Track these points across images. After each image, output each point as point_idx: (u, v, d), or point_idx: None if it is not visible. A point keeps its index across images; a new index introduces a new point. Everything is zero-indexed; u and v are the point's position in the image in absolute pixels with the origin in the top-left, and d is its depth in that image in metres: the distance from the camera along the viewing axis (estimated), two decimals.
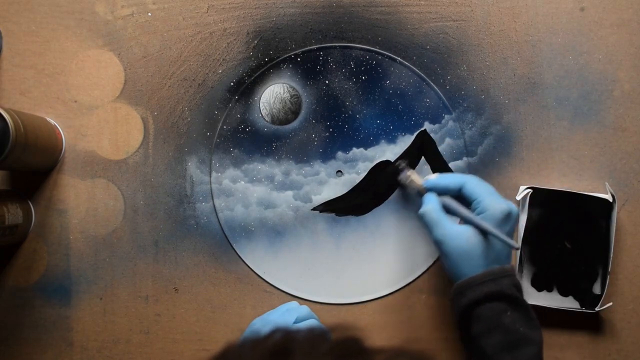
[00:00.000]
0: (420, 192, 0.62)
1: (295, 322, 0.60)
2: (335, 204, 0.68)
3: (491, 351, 0.55)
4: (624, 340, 0.67)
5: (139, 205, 0.68)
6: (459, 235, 0.57)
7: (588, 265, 0.67)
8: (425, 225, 0.59)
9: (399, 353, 0.38)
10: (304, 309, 0.62)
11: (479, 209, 0.57)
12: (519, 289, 0.57)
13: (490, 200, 0.57)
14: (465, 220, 0.58)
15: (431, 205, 0.59)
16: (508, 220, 0.57)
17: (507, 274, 0.57)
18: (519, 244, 0.66)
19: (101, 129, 0.69)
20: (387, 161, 0.68)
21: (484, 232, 0.57)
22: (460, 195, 0.60)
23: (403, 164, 0.65)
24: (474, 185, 0.59)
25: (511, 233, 0.58)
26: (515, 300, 0.56)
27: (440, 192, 0.60)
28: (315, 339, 0.39)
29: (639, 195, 0.68)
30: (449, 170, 0.68)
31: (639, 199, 0.68)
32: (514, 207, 0.58)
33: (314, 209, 0.68)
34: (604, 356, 0.67)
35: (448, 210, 0.59)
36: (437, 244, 0.58)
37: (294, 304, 0.64)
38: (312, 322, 0.60)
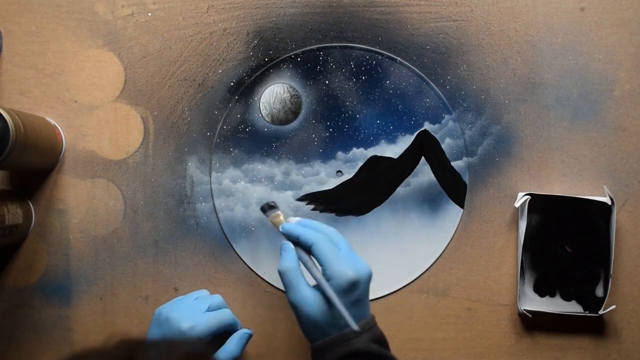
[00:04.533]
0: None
1: (208, 311, 0.59)
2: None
3: None
4: (624, 340, 0.67)
5: (139, 205, 0.68)
6: (310, 301, 0.54)
7: (589, 268, 0.67)
8: (283, 283, 0.57)
9: None
10: (216, 298, 0.62)
11: (326, 276, 0.54)
12: (378, 341, 0.55)
13: (336, 266, 0.54)
14: (315, 278, 0.55)
15: (288, 264, 0.56)
16: (355, 288, 0.54)
17: (366, 328, 0.54)
18: (519, 252, 0.66)
19: (101, 129, 0.69)
20: (377, 156, 0.68)
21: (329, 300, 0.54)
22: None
23: (273, 204, 0.61)
24: (321, 247, 0.55)
25: (362, 298, 0.55)
26: (378, 356, 0.53)
27: (294, 243, 0.57)
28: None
29: (639, 195, 0.68)
30: (450, 170, 0.68)
31: (639, 199, 0.68)
32: (362, 273, 0.54)
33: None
34: (604, 356, 0.67)
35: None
36: (291, 307, 0.56)
37: (205, 291, 0.64)
38: (224, 312, 0.60)
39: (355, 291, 0.54)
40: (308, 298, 0.55)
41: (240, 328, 0.62)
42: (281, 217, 0.60)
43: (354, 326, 0.52)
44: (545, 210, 0.67)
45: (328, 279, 0.54)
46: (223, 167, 0.69)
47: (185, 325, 0.57)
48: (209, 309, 0.60)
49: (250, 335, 0.61)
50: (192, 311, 0.59)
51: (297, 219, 0.60)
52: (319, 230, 0.58)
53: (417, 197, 0.68)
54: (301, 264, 0.57)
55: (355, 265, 0.55)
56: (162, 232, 0.68)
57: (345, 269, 0.54)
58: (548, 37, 0.68)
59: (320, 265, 0.55)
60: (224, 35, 0.69)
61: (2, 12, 0.68)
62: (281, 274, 0.56)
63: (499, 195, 0.68)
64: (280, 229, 0.59)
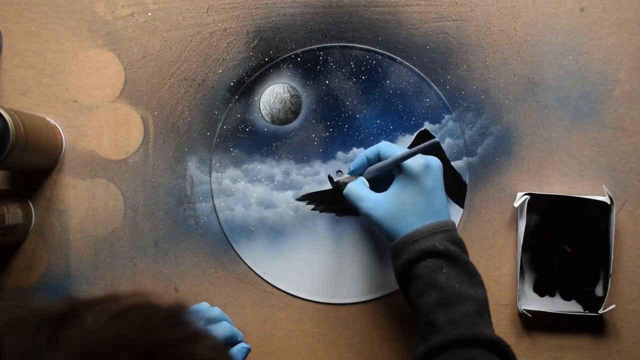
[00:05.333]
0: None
1: (206, 324, 0.60)
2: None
3: (426, 310, 0.54)
4: (624, 340, 0.67)
5: (139, 205, 0.68)
6: (384, 199, 0.58)
7: (589, 268, 0.67)
8: (352, 204, 0.60)
9: None
10: (215, 310, 0.62)
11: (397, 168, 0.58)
12: (456, 243, 0.56)
13: (406, 155, 0.57)
14: (388, 166, 0.59)
15: (352, 184, 0.61)
16: (427, 170, 0.57)
17: (441, 229, 0.56)
18: (518, 252, 0.66)
19: (101, 129, 0.69)
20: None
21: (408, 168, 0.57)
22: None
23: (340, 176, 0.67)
24: (387, 147, 0.60)
25: (437, 188, 0.58)
26: (450, 256, 0.55)
27: (364, 170, 0.62)
28: None
29: (639, 195, 0.68)
30: (450, 170, 0.68)
31: (638, 199, 0.68)
32: (431, 160, 0.58)
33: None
34: (604, 356, 0.67)
35: (372, 179, 0.62)
36: (367, 215, 0.59)
37: (205, 304, 0.64)
38: (222, 326, 0.60)
39: (429, 176, 0.57)
40: (381, 198, 0.58)
41: (241, 339, 0.62)
42: (351, 177, 0.64)
43: (435, 140, 0.55)
44: (545, 210, 0.67)
45: (399, 171, 0.58)
46: (223, 167, 0.69)
47: None
48: (208, 322, 0.60)
49: (249, 350, 0.61)
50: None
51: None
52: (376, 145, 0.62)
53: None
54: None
55: (422, 156, 0.58)
56: (162, 232, 0.68)
57: (415, 157, 0.57)
58: (548, 37, 0.68)
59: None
60: (224, 35, 0.69)
61: (2, 12, 0.68)
62: (347, 195, 0.61)
63: (499, 195, 0.68)
64: (351, 168, 0.63)
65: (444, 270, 0.54)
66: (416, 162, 0.57)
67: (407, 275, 0.56)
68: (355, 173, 0.63)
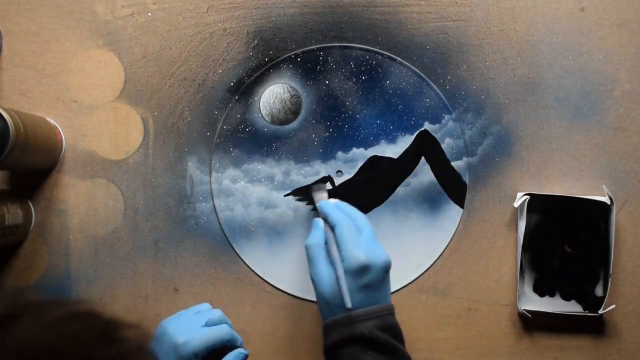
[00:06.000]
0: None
1: (205, 326, 0.59)
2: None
3: None
4: (624, 340, 0.67)
5: (139, 205, 0.68)
6: (324, 278, 0.56)
7: (589, 268, 0.67)
8: (306, 255, 0.59)
9: None
10: (216, 313, 0.62)
11: (341, 257, 0.56)
12: (388, 330, 0.55)
13: (350, 249, 0.55)
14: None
15: (314, 240, 0.59)
16: (365, 272, 0.55)
17: (375, 314, 0.55)
18: (518, 252, 0.66)
19: (101, 129, 0.69)
20: (377, 156, 0.68)
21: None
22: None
23: (328, 178, 0.68)
24: (343, 229, 0.57)
25: (374, 285, 0.55)
26: (378, 343, 0.54)
27: (325, 221, 0.60)
28: None
29: (639, 195, 0.68)
30: (450, 170, 0.68)
31: (638, 199, 0.68)
32: (376, 260, 0.55)
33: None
34: (604, 356, 0.67)
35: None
36: (311, 279, 0.58)
37: (206, 305, 0.64)
38: (221, 328, 0.60)
39: (366, 276, 0.55)
40: (323, 275, 0.57)
41: (240, 344, 0.61)
42: (325, 195, 0.65)
43: (348, 303, 0.54)
44: (545, 210, 0.67)
45: (342, 260, 0.56)
46: (223, 167, 0.69)
47: (180, 339, 0.57)
48: (207, 324, 0.59)
49: (246, 356, 0.60)
50: (189, 326, 0.59)
51: (336, 200, 0.63)
52: (348, 213, 0.60)
53: (417, 197, 0.68)
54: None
55: (371, 252, 0.56)
56: (162, 232, 0.68)
57: (358, 253, 0.55)
58: (548, 37, 0.68)
59: (338, 246, 0.57)
60: (224, 35, 0.69)
61: (2, 12, 0.68)
62: (307, 248, 0.59)
63: (499, 195, 0.68)
64: (317, 205, 0.63)
65: (370, 352, 0.54)
66: (357, 260, 0.55)
67: (334, 355, 0.55)
68: (321, 209, 0.61)
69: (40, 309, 0.33)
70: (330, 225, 0.59)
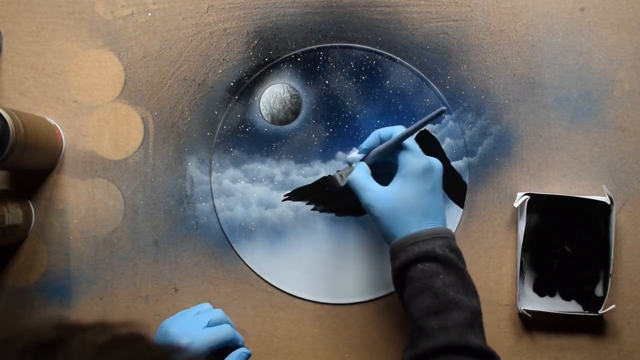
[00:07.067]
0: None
1: (208, 326, 0.59)
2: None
3: (418, 314, 0.53)
4: (624, 340, 0.67)
5: (139, 205, 0.68)
6: (386, 195, 0.57)
7: (589, 268, 0.67)
8: (355, 193, 0.59)
9: None
10: (217, 313, 0.62)
11: (399, 166, 0.58)
12: (455, 251, 0.56)
13: (410, 156, 0.57)
14: (391, 147, 0.58)
15: (357, 171, 0.60)
16: (429, 172, 0.57)
17: (441, 235, 0.55)
18: (518, 252, 0.66)
19: (101, 129, 0.69)
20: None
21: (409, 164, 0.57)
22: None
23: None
24: (402, 131, 0.58)
25: (437, 190, 0.58)
26: (448, 262, 0.54)
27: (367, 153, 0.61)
28: None
29: (639, 195, 0.68)
30: (450, 170, 0.68)
31: (638, 199, 0.68)
32: (433, 161, 0.58)
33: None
34: (604, 356, 0.67)
35: (375, 163, 0.60)
36: (367, 207, 0.58)
37: (207, 305, 0.64)
38: (224, 328, 0.60)
39: (430, 178, 0.57)
40: (383, 193, 0.57)
41: (242, 343, 0.61)
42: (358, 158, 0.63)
43: (442, 108, 0.55)
44: (545, 210, 0.67)
45: (401, 169, 0.57)
46: (223, 167, 0.69)
47: (183, 341, 0.57)
48: (209, 324, 0.59)
49: (249, 355, 0.60)
50: (192, 327, 0.59)
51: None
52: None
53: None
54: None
55: (425, 157, 0.58)
56: (162, 232, 0.68)
57: (417, 157, 0.57)
58: (548, 37, 0.68)
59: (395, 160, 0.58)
60: (224, 35, 0.69)
61: (2, 12, 0.68)
62: (350, 182, 0.59)
63: (499, 195, 0.68)
64: (360, 149, 0.62)
65: (441, 276, 0.54)
66: (419, 162, 0.57)
67: (403, 277, 0.56)
68: (366, 152, 0.61)
69: (89, 333, 0.32)
70: (386, 138, 0.60)
